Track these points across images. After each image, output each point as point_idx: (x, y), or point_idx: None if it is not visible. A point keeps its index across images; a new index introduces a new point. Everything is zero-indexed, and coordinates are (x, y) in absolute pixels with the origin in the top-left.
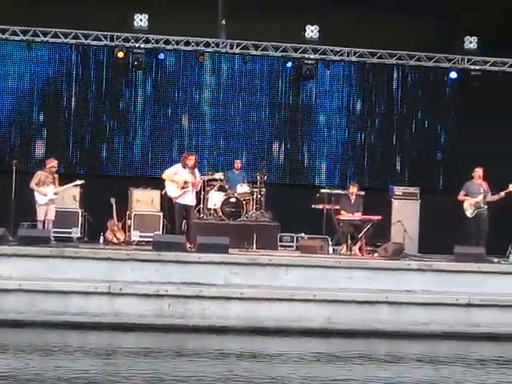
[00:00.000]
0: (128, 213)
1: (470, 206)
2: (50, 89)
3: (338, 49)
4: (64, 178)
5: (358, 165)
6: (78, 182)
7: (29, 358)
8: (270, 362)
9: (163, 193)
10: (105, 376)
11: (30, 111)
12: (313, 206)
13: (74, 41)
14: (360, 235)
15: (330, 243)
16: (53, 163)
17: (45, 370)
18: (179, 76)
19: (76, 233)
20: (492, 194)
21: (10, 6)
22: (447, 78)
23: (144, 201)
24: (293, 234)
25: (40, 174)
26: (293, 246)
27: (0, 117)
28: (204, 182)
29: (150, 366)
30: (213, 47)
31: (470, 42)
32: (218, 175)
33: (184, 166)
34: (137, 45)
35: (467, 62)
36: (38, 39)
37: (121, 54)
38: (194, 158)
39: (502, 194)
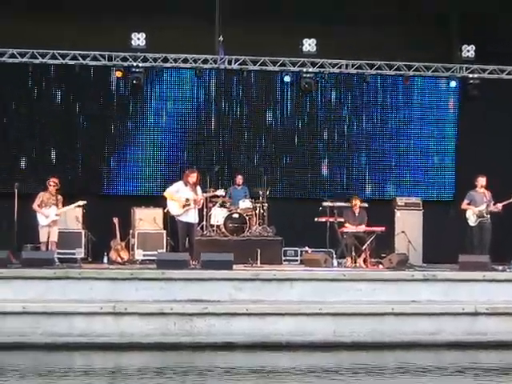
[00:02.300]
0: (131, 232)
1: (472, 214)
2: (50, 109)
3: (336, 61)
4: (66, 199)
5: (361, 176)
6: (80, 202)
7: (34, 381)
8: (278, 377)
9: (165, 211)
10: None
11: (31, 132)
12: (316, 220)
13: (72, 61)
14: (364, 247)
15: (335, 256)
16: (53, 179)
17: None
18: (177, 91)
19: (80, 253)
20: (494, 204)
21: (8, 28)
22: (447, 87)
23: (147, 219)
24: (297, 248)
25: (42, 196)
26: (297, 260)
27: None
28: (206, 198)
29: None
30: (211, 63)
31: (468, 51)
32: (220, 192)
33: (186, 184)
34: (135, 64)
35: (465, 70)
36: (36, 61)
37: (119, 74)
38: (195, 174)
39: (500, 206)
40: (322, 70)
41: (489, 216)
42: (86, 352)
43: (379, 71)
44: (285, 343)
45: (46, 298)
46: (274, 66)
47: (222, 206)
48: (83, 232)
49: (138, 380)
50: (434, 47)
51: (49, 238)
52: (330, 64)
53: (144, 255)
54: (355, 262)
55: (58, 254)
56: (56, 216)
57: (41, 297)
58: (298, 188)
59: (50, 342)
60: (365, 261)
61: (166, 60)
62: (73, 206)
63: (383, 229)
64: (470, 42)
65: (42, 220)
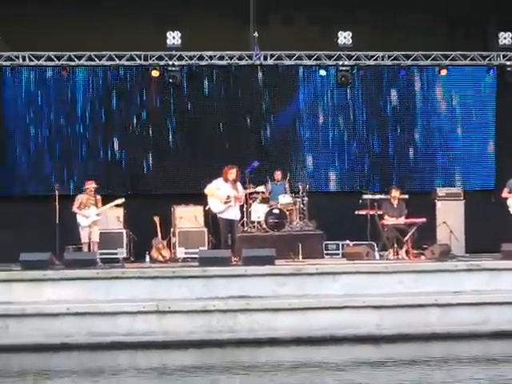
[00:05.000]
0: (172, 230)
1: None
2: (88, 111)
3: (372, 53)
4: (105, 199)
5: (400, 168)
6: (119, 201)
7: (81, 381)
8: (322, 371)
9: (207, 208)
10: None
11: (69, 134)
12: (356, 213)
13: (108, 62)
14: (406, 239)
15: (376, 249)
16: (91, 184)
17: None
18: (216, 90)
19: (122, 253)
20: None
21: (43, 33)
22: (485, 75)
23: (187, 217)
24: (338, 242)
25: (81, 198)
26: (339, 254)
27: (39, 141)
28: (246, 194)
29: (202, 383)
30: (246, 60)
31: (505, 38)
32: (261, 188)
33: (226, 180)
34: (171, 62)
35: (503, 58)
36: (72, 63)
37: (156, 73)
38: (235, 171)
39: None
40: (357, 62)
41: None
42: (131, 351)
43: (415, 62)
44: (328, 337)
45: (89, 298)
46: (310, 59)
47: (263, 201)
48: (125, 232)
49: (184, 378)
50: (470, 36)
51: (90, 238)
52: (365, 56)
53: (185, 253)
54: (397, 254)
55: (100, 254)
56: (96, 216)
57: (85, 297)
58: (338, 181)
59: (95, 342)
60: (407, 252)
61: (201, 58)
62: (111, 204)
63: (424, 220)
64: (506, 30)
65: (82, 221)
